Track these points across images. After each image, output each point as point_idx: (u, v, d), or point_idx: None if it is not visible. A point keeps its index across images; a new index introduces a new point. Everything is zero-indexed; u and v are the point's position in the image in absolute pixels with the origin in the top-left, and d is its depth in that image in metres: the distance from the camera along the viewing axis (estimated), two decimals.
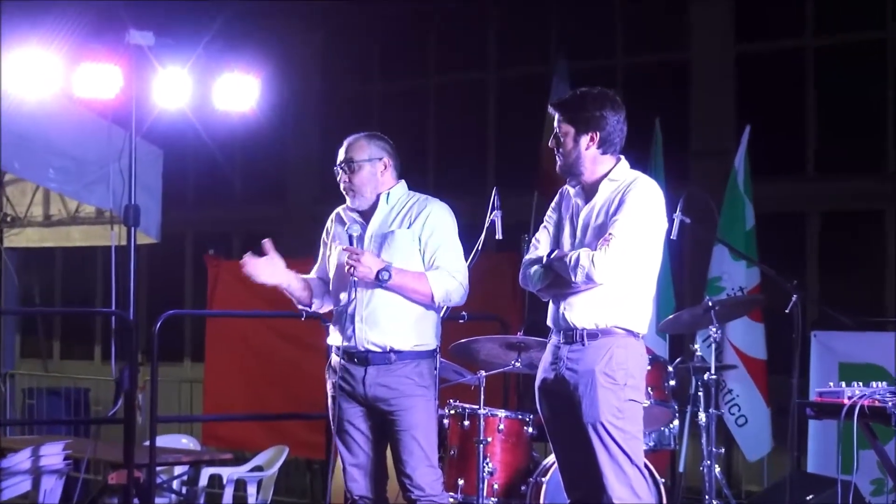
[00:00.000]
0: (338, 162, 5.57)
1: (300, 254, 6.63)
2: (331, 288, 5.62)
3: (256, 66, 8.68)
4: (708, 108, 13.62)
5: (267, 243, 5.54)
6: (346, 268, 5.35)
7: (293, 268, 5.66)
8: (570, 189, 5.22)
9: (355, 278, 5.36)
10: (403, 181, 5.64)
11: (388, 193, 5.55)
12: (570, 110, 5.12)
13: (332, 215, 5.74)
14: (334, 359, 5.55)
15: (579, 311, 5.02)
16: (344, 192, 5.58)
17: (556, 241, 5.21)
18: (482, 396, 6.67)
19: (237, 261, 5.72)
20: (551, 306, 5.16)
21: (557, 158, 5.17)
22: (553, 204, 5.31)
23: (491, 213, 6.07)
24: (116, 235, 8.62)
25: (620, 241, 4.88)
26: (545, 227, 5.27)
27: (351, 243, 5.43)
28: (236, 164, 16.53)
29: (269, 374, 10.96)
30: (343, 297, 5.46)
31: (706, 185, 9.96)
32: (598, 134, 5.05)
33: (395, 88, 16.23)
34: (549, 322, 5.18)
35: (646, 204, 4.98)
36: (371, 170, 5.53)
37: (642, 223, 4.96)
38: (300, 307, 5.73)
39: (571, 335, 5.04)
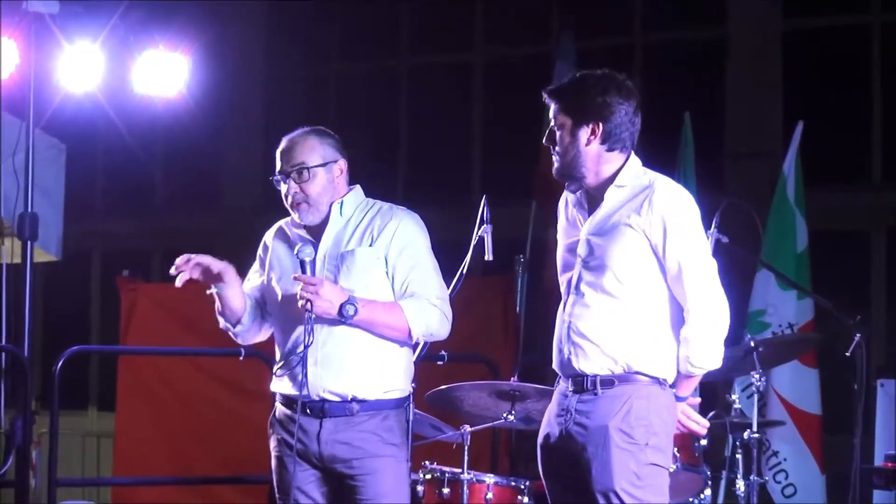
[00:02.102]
0: (279, 168, 5.49)
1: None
2: (276, 324, 5.57)
3: (185, 42, 8.68)
4: (749, 99, 13.66)
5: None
6: (301, 302, 5.29)
7: None
8: (569, 196, 5.22)
9: (312, 315, 5.31)
10: (358, 186, 5.59)
11: (342, 203, 5.50)
12: (567, 97, 5.10)
13: (273, 230, 5.68)
14: (280, 409, 5.52)
15: (591, 353, 5.00)
16: (291, 208, 5.49)
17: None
18: (466, 457, 6.63)
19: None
20: (555, 347, 5.14)
21: (554, 159, 5.15)
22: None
23: (479, 228, 6.04)
24: (8, 251, 8.61)
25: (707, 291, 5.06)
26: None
27: (303, 270, 5.35)
28: (158, 163, 16.51)
29: (197, 426, 10.95)
30: (293, 336, 5.41)
31: (748, 195, 9.98)
32: (600, 125, 5.03)
33: (357, 71, 16.23)
34: (554, 366, 5.17)
35: (692, 221, 5.01)
36: (327, 176, 5.47)
37: (704, 248, 5.05)
38: (225, 325, 5.59)
39: (581, 382, 5.02)
